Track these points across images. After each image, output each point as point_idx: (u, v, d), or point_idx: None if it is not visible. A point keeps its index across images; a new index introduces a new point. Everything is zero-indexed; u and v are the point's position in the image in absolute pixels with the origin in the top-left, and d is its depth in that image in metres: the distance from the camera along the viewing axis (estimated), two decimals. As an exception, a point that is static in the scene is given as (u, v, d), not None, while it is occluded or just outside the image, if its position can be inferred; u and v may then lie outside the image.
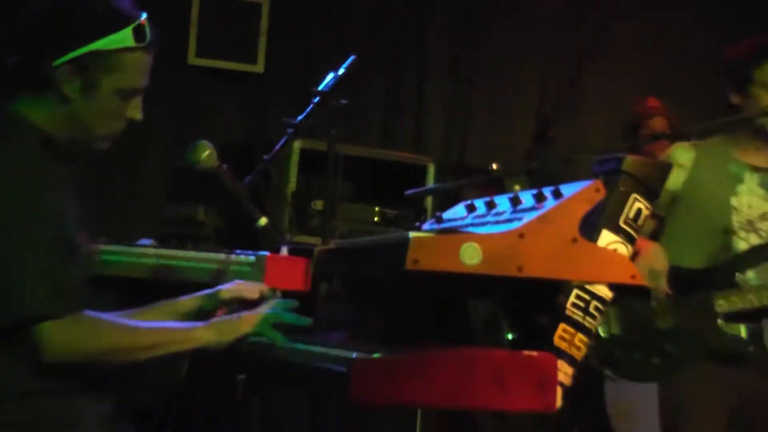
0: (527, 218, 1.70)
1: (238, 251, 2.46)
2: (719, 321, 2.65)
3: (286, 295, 2.06)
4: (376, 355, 1.45)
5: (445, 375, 1.44)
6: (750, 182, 2.81)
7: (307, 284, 2.29)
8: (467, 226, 2.03)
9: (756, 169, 2.82)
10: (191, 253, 2.53)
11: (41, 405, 1.65)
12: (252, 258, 2.40)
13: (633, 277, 1.68)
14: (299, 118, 2.80)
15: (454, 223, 2.16)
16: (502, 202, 2.05)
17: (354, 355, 1.46)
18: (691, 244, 2.80)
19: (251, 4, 4.85)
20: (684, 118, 4.28)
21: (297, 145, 3.97)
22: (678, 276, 2.68)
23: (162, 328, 1.78)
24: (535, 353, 1.53)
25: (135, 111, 1.79)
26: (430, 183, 4.26)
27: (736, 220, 2.77)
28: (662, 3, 5.28)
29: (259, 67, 4.82)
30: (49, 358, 1.57)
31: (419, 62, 5.29)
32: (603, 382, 3.71)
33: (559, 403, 1.53)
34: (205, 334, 1.74)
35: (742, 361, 2.67)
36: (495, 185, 3.18)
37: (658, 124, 4.22)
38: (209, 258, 2.48)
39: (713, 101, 3.49)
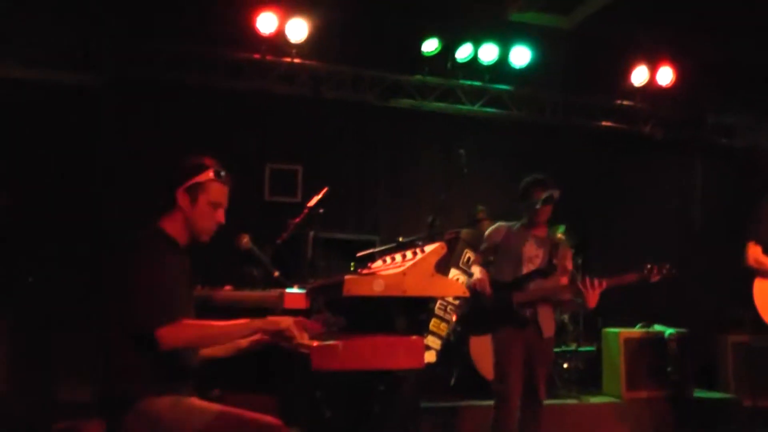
0: (406, 265, 3.12)
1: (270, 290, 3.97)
2: (514, 306, 4.58)
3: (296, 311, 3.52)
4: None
5: (363, 351, 2.81)
6: (531, 240, 4.77)
7: (304, 304, 3.72)
8: (382, 269, 3.45)
9: (533, 235, 4.80)
10: (247, 291, 4.05)
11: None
12: (277, 293, 3.83)
13: (464, 292, 3.15)
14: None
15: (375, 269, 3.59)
16: (397, 257, 3.50)
17: (315, 344, 2.81)
18: (504, 269, 4.70)
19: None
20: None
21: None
22: (498, 284, 4.67)
23: (231, 323, 2.97)
24: (411, 337, 2.92)
25: (220, 217, 3.15)
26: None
27: (524, 258, 4.69)
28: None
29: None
30: (165, 348, 2.81)
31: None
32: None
33: (430, 360, 2.97)
34: (259, 323, 2.99)
35: (525, 326, 4.60)
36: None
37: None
38: (256, 293, 3.98)
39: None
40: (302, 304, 3.97)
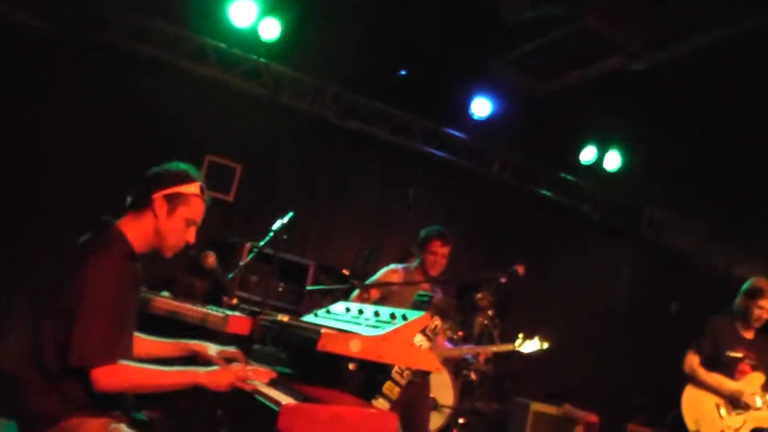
0: (387, 329, 2.84)
1: (214, 308, 3.57)
2: None
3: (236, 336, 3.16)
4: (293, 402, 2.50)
5: (336, 421, 2.50)
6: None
7: (248, 331, 3.38)
8: (345, 322, 3.17)
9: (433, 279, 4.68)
10: (189, 305, 3.62)
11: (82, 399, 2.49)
12: (222, 314, 3.46)
13: (437, 368, 2.91)
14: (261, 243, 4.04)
15: (337, 317, 3.30)
16: (368, 311, 3.22)
17: (284, 402, 2.48)
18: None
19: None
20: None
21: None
22: None
23: (174, 372, 2.63)
24: (391, 414, 2.65)
25: (191, 236, 2.79)
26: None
27: None
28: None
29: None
30: (96, 389, 2.43)
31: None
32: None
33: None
34: (203, 378, 2.62)
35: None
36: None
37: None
38: (199, 309, 3.56)
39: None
40: (245, 330, 3.65)
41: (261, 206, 7.53)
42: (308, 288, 5.57)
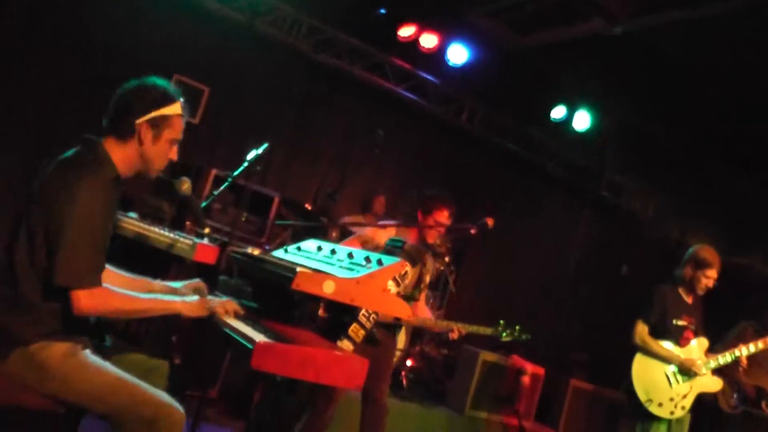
0: (361, 272, 2.80)
1: (183, 235, 3.48)
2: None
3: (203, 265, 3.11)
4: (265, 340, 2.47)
5: (307, 362, 2.48)
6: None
7: (214, 261, 3.32)
8: (317, 262, 3.13)
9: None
10: (157, 229, 3.51)
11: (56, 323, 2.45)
12: (190, 242, 3.38)
13: (408, 315, 2.90)
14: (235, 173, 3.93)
15: (308, 256, 3.25)
16: (341, 251, 3.18)
17: (257, 339, 2.45)
18: None
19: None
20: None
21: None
22: None
23: (152, 299, 2.62)
24: (358, 358, 2.62)
25: (174, 154, 2.70)
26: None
27: None
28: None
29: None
30: (78, 313, 2.39)
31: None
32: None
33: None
34: (180, 307, 2.62)
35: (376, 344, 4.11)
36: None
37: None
38: (167, 235, 3.46)
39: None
40: (212, 260, 3.61)
41: (226, 131, 7.39)
42: (278, 222, 5.48)
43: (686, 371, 4.75)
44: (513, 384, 6.25)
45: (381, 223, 4.53)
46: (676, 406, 4.73)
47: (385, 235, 4.35)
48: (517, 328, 4.71)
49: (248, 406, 5.13)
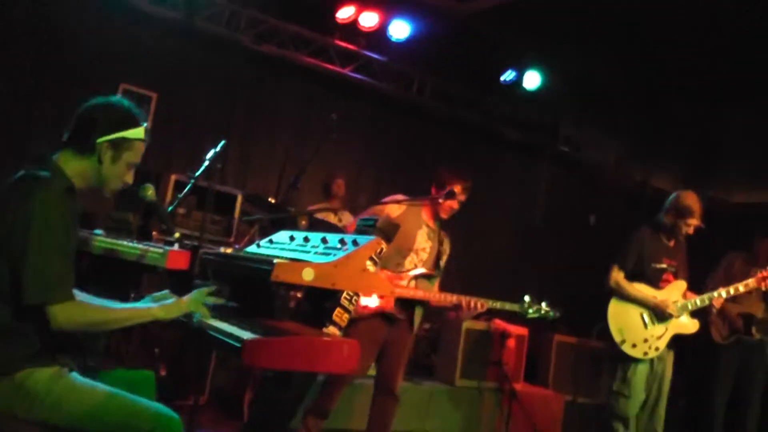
0: (338, 255, 2.77)
1: (152, 244, 3.40)
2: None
3: (174, 271, 3.04)
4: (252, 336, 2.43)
5: (299, 352, 2.45)
6: (423, 229, 4.44)
7: (187, 266, 3.26)
8: (291, 251, 3.09)
9: (426, 224, 4.45)
10: (126, 242, 3.43)
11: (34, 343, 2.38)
12: (161, 249, 3.31)
13: (391, 292, 2.89)
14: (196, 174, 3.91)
15: (282, 247, 3.21)
16: (314, 238, 3.14)
17: (246, 335, 2.42)
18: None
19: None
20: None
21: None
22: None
23: (127, 308, 2.56)
24: (349, 340, 2.59)
25: (130, 178, 2.66)
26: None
27: (413, 248, 4.37)
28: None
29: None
30: (55, 327, 2.33)
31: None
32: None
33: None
34: (157, 311, 2.55)
35: (393, 322, 4.30)
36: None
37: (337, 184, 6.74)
38: (137, 246, 3.38)
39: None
40: (184, 265, 3.52)
41: (179, 135, 7.27)
42: (245, 219, 5.39)
43: (660, 313, 4.81)
44: (499, 348, 6.28)
45: (389, 198, 4.46)
46: (650, 347, 4.79)
47: (397, 209, 4.35)
48: (543, 304, 4.61)
49: (240, 408, 5.10)
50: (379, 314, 4.27)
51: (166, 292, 2.87)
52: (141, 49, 6.95)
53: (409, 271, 4.37)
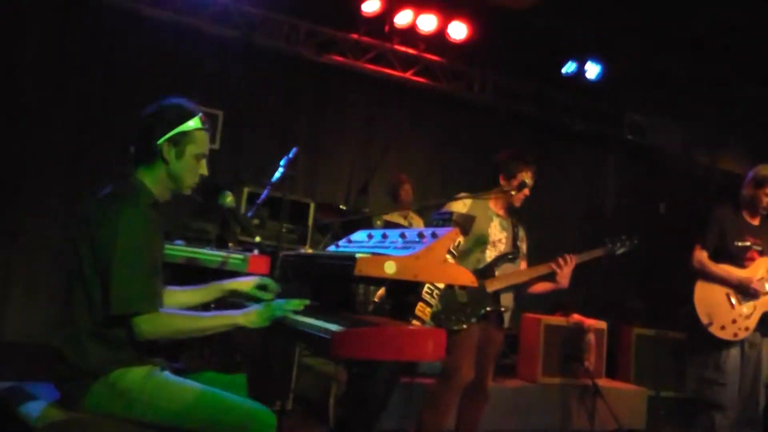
0: (419, 248, 2.79)
1: (233, 251, 3.50)
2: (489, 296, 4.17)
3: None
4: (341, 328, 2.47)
5: (386, 341, 2.48)
6: (495, 221, 4.33)
7: (268, 270, 3.33)
8: (371, 248, 3.12)
9: (498, 215, 4.36)
10: (206, 250, 3.54)
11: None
12: (242, 256, 3.40)
13: (472, 281, 2.89)
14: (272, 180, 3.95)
15: (361, 245, 3.24)
16: (393, 234, 3.17)
17: (335, 328, 2.44)
18: (465, 251, 4.18)
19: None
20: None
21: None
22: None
23: (213, 316, 2.61)
24: (436, 329, 2.61)
25: (203, 169, 2.71)
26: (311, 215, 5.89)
27: (489, 241, 4.27)
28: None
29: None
30: (140, 338, 2.40)
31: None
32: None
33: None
34: (241, 319, 2.57)
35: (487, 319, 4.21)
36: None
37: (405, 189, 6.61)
38: (218, 254, 3.48)
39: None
40: (265, 269, 3.61)
41: (247, 150, 7.42)
42: (322, 223, 5.46)
43: (746, 291, 4.66)
44: (579, 343, 6.19)
45: (459, 196, 4.33)
46: (739, 328, 4.62)
47: (462, 206, 4.27)
48: (623, 238, 4.53)
49: (325, 413, 5.14)
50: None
51: (271, 281, 2.97)
52: (203, 69, 7.12)
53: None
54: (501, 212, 4.43)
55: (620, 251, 4.54)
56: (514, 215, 4.52)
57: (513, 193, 4.32)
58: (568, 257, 4.24)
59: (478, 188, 4.45)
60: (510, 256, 4.31)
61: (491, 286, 4.18)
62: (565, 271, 4.23)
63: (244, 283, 2.97)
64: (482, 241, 4.29)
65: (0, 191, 6.48)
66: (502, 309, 4.24)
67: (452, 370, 4.22)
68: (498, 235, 4.36)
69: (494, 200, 4.42)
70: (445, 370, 4.29)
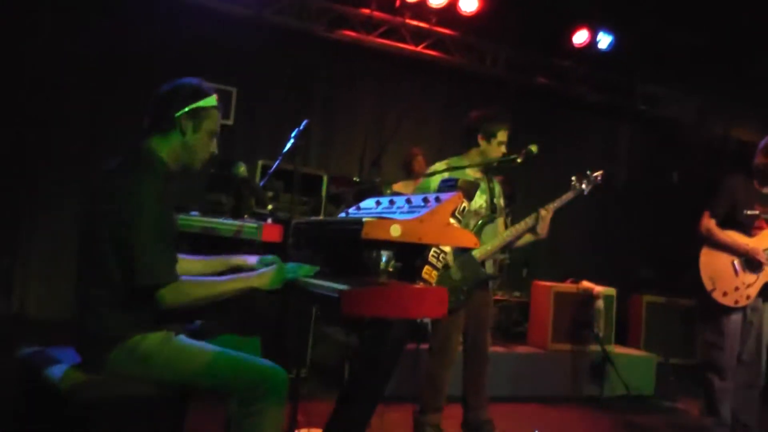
0: (423, 211, 2.90)
1: (247, 220, 3.64)
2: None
3: (269, 244, 3.23)
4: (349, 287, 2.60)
5: (392, 299, 2.61)
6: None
7: (281, 238, 3.46)
8: (379, 213, 3.23)
9: (476, 178, 4.34)
10: (221, 220, 3.68)
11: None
12: (255, 224, 3.53)
13: (475, 243, 3.00)
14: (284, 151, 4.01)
15: (369, 211, 3.36)
16: (399, 200, 3.28)
17: (343, 287, 2.57)
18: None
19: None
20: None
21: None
22: None
23: (229, 279, 2.73)
24: (438, 288, 2.74)
25: (214, 147, 2.85)
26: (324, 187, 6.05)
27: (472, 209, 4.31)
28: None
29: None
30: (164, 307, 2.52)
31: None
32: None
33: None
34: (256, 281, 2.73)
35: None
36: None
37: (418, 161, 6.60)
38: (234, 223, 3.62)
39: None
40: (278, 237, 3.72)
41: (260, 126, 7.57)
42: (334, 192, 5.59)
43: (751, 261, 4.72)
44: (588, 310, 6.29)
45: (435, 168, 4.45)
46: (741, 296, 4.70)
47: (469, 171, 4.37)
48: (587, 173, 4.68)
49: (340, 380, 5.28)
50: None
51: (274, 257, 3.07)
52: (214, 46, 7.21)
53: None
54: (479, 174, 4.47)
55: (588, 189, 4.66)
56: (490, 172, 4.56)
57: (494, 154, 4.39)
58: (543, 211, 4.37)
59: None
60: (488, 221, 4.38)
61: (481, 255, 4.31)
62: (544, 225, 4.37)
63: (249, 261, 3.10)
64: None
65: (20, 170, 6.64)
66: (494, 277, 4.37)
67: (443, 347, 4.38)
68: (478, 201, 4.41)
69: (471, 164, 4.43)
70: (437, 349, 4.43)
